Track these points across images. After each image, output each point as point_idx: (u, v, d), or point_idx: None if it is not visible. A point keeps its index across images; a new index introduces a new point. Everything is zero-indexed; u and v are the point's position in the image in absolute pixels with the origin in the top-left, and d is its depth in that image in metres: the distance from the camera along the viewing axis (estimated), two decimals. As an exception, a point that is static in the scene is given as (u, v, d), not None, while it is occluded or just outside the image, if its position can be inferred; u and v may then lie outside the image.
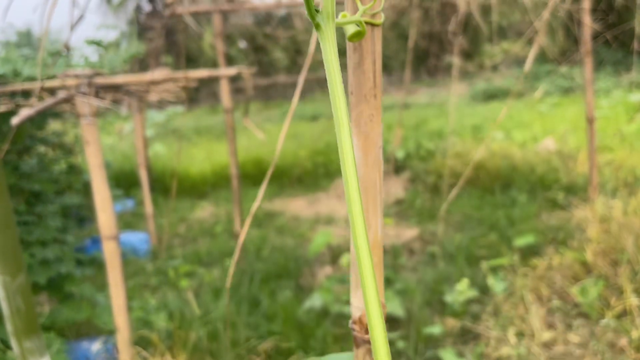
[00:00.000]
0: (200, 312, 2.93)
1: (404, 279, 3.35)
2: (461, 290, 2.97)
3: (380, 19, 0.51)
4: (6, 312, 1.15)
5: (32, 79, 2.25)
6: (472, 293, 2.98)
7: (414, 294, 3.10)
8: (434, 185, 5.28)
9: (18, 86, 2.21)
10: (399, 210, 4.91)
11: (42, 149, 3.65)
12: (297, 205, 5.56)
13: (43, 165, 3.49)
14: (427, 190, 5.30)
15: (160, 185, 6.71)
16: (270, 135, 9.05)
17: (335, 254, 3.95)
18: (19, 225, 3.19)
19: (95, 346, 2.92)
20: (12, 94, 2.16)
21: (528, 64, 2.85)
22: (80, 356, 2.86)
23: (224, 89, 3.51)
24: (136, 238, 4.69)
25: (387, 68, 15.46)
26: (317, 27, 0.43)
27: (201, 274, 3.78)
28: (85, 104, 2.20)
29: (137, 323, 3.04)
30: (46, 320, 2.87)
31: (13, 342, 1.15)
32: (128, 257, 4.48)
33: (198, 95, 16.15)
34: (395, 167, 5.95)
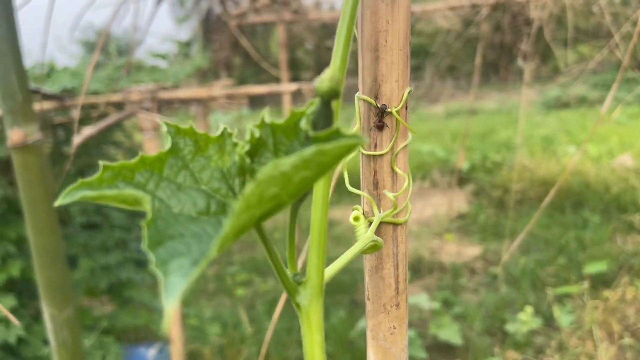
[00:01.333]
0: (253, 328, 2.92)
1: (463, 302, 3.22)
2: (524, 320, 2.82)
3: (406, 214, 0.43)
4: (53, 344, 1.15)
5: (97, 93, 2.30)
6: (536, 323, 2.81)
7: (473, 320, 2.96)
8: (499, 200, 5.07)
9: (84, 100, 2.27)
10: (461, 226, 4.75)
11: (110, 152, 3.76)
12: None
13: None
14: (491, 205, 5.10)
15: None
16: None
17: (392, 269, 3.86)
18: (85, 230, 3.30)
19: (152, 352, 2.97)
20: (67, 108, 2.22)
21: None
22: (136, 361, 2.92)
23: (286, 100, 3.49)
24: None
25: (454, 72, 15.11)
26: (297, 306, 0.34)
27: (257, 283, 3.79)
28: (148, 120, 2.23)
29: (192, 331, 3.07)
30: (106, 324, 2.94)
31: (58, 377, 1.16)
32: (188, 260, 4.56)
33: (264, 96, 16.37)
34: (459, 179, 5.76)
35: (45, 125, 2.80)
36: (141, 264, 3.67)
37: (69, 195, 0.29)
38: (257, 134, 0.31)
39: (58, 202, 0.29)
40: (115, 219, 3.34)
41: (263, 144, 0.31)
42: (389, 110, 0.39)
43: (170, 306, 0.21)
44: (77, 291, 2.96)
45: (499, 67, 16.84)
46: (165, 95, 2.32)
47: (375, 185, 0.43)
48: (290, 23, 3.54)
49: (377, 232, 0.44)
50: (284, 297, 0.86)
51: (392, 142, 0.41)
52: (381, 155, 0.41)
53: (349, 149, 0.24)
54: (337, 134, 0.26)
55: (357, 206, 0.43)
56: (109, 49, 3.32)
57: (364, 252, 0.42)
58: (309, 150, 0.23)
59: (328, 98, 0.29)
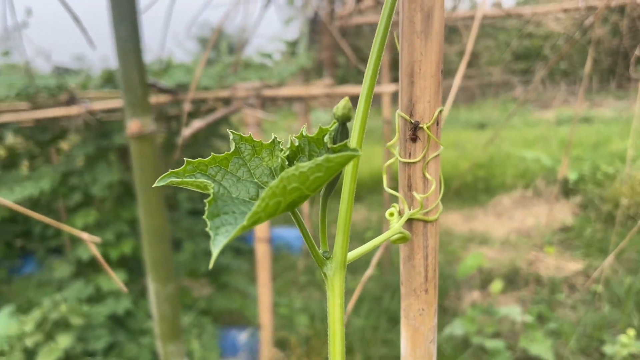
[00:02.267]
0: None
1: (559, 318, 3.07)
2: (625, 343, 2.64)
3: (436, 213, 0.48)
4: (155, 317, 1.27)
5: (207, 88, 2.46)
6: (638, 347, 2.63)
7: (568, 337, 2.82)
8: (608, 215, 4.75)
9: (195, 95, 2.43)
10: (564, 239, 4.51)
11: (217, 144, 3.98)
12: (451, 219, 5.39)
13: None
14: (599, 219, 4.79)
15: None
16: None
17: (486, 278, 3.76)
18: (190, 216, 3.53)
19: (243, 336, 3.12)
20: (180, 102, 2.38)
21: None
22: (229, 343, 3.08)
23: (385, 101, 3.51)
24: (291, 234, 4.93)
25: (569, 76, 14.25)
26: (324, 275, 0.42)
27: (347, 280, 3.85)
28: (252, 116, 2.35)
29: (282, 320, 3.19)
30: (203, 305, 3.13)
31: (158, 345, 1.27)
32: (282, 252, 4.73)
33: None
34: (565, 189, 5.46)
35: (160, 117, 3.03)
36: (239, 251, 3.86)
37: (162, 180, 0.39)
38: (296, 143, 0.41)
39: (156, 184, 0.40)
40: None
41: (301, 151, 0.41)
42: (421, 125, 0.46)
43: (216, 252, 0.31)
44: (180, 272, 3.18)
45: (618, 74, 15.64)
46: (269, 92, 2.44)
47: (409, 187, 0.49)
48: (394, 24, 3.55)
49: (410, 227, 0.49)
50: (358, 290, 0.90)
51: (423, 152, 0.47)
52: (414, 163, 0.48)
53: (348, 159, 0.33)
54: (345, 148, 0.37)
55: (395, 204, 0.50)
56: (220, 47, 3.51)
57: (393, 242, 0.48)
58: (320, 158, 0.31)
59: (342, 121, 0.38)
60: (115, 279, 0.81)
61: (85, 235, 0.68)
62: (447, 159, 6.92)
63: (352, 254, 0.45)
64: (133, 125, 1.16)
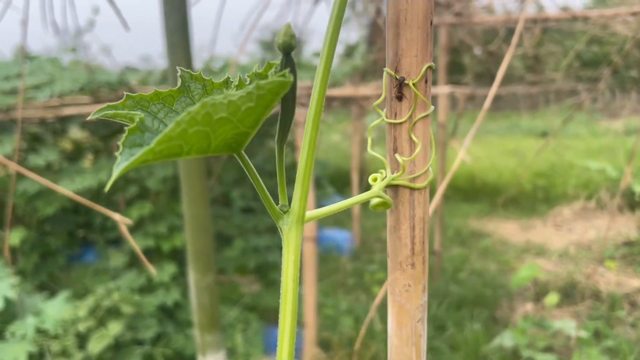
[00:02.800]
0: (383, 326, 2.94)
1: (617, 335, 2.92)
2: (691, 367, 2.48)
3: (425, 180, 0.45)
4: (194, 306, 1.29)
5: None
6: None
7: (626, 356, 2.67)
8: (678, 231, 4.48)
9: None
10: (627, 254, 4.28)
11: (270, 143, 4.02)
12: (507, 229, 5.22)
13: (268, 160, 3.86)
14: (668, 235, 4.52)
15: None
16: (491, 148, 8.67)
17: (540, 290, 3.62)
18: (242, 213, 3.58)
19: (288, 334, 3.13)
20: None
21: None
22: (273, 340, 3.10)
23: (442, 105, 3.45)
24: (341, 236, 4.92)
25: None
26: (280, 230, 0.39)
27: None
28: (302, 114, 2.36)
29: (327, 321, 3.18)
30: (250, 301, 3.17)
31: (196, 334, 1.29)
32: (331, 253, 4.72)
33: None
34: (631, 202, 5.19)
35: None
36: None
37: (97, 113, 0.38)
38: (245, 80, 0.39)
39: (90, 118, 0.38)
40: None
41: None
42: (406, 82, 0.42)
43: (116, 173, 0.29)
44: (229, 267, 3.23)
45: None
46: (320, 92, 2.44)
47: (395, 150, 0.45)
48: (454, 26, 3.48)
49: (395, 194, 0.46)
50: (385, 287, 0.87)
51: (410, 112, 0.43)
52: (400, 124, 0.44)
53: (280, 85, 0.30)
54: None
55: (382, 170, 0.46)
56: (276, 48, 3.54)
57: (374, 207, 0.45)
58: (251, 86, 0.29)
59: (284, 49, 0.34)
60: (139, 254, 0.82)
61: (117, 217, 0.70)
62: (505, 167, 6.73)
63: (314, 213, 0.43)
64: (179, 117, 1.17)
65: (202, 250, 1.23)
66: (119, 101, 0.37)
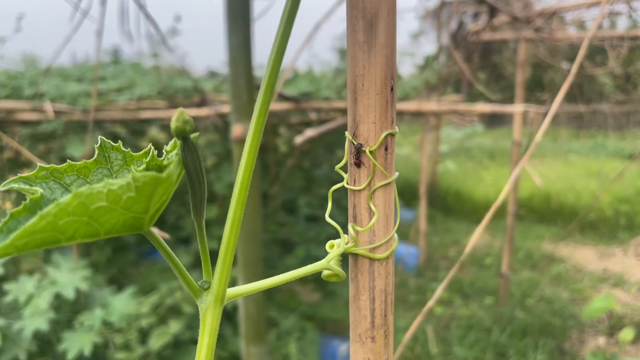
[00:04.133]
0: (439, 349, 2.86)
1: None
2: None
3: (387, 251, 0.42)
4: (241, 315, 1.30)
5: (327, 98, 2.50)
6: None
7: None
8: None
9: (314, 105, 2.48)
10: None
11: (337, 155, 4.03)
12: (583, 255, 4.94)
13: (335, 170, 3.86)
14: None
15: (442, 202, 6.77)
16: (572, 168, 8.25)
17: (615, 324, 3.39)
18: (306, 221, 3.61)
19: (343, 347, 3.11)
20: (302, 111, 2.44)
21: None
22: (329, 352, 3.09)
23: (517, 122, 3.32)
24: (406, 250, 4.84)
25: None
26: (200, 308, 0.37)
27: (457, 305, 3.69)
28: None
29: (384, 337, 3.13)
30: (308, 310, 3.18)
31: (241, 344, 1.30)
32: (396, 269, 4.65)
33: (503, 115, 15.68)
34: None
35: (282, 122, 3.13)
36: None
37: (5, 185, 0.35)
38: (162, 155, 0.38)
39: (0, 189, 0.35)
40: (333, 211, 3.57)
41: (157, 167, 0.38)
42: (364, 149, 0.41)
43: None
44: (289, 275, 3.26)
45: None
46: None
47: (354, 218, 0.43)
48: (532, 41, 3.35)
49: (355, 263, 0.44)
50: (424, 311, 0.85)
51: (368, 179, 0.42)
52: (359, 191, 0.42)
53: (154, 180, 0.29)
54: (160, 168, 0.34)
55: (345, 236, 0.44)
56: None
57: (326, 278, 0.44)
58: (129, 176, 0.28)
59: (178, 135, 0.33)
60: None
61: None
62: (585, 189, 6.38)
63: (238, 290, 0.41)
64: (237, 129, 1.20)
65: (251, 259, 1.24)
66: (32, 172, 0.36)
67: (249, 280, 1.23)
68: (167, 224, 3.66)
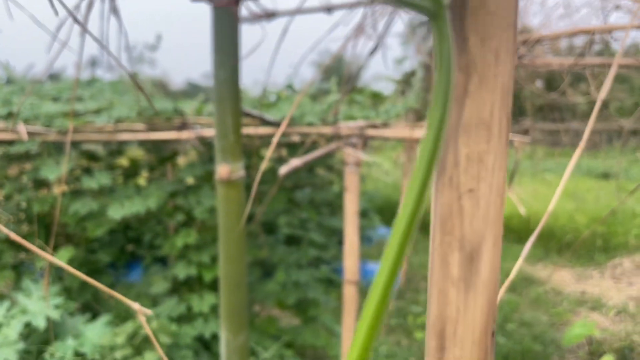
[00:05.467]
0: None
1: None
2: None
3: None
4: (223, 348, 1.24)
5: (311, 124, 2.46)
6: None
7: None
8: None
9: (298, 130, 2.44)
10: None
11: (318, 175, 3.99)
12: (561, 277, 4.97)
13: (317, 191, 3.82)
14: None
15: (423, 222, 6.75)
16: (550, 188, 8.35)
17: (595, 350, 3.40)
18: (287, 243, 3.55)
19: (324, 375, 3.05)
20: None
21: None
22: (309, 380, 3.02)
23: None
24: (386, 272, 4.79)
25: None
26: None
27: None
28: (351, 155, 2.31)
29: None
30: (287, 337, 3.11)
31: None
32: (375, 290, 4.61)
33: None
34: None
35: (265, 145, 3.08)
36: (333, 283, 3.82)
37: None
38: None
39: None
40: (314, 236, 3.53)
41: None
42: None
43: None
44: (269, 301, 3.19)
45: None
46: (372, 132, 2.39)
47: None
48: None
49: None
50: None
51: None
52: None
53: None
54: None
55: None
56: (333, 79, 3.54)
57: None
58: None
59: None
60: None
61: (136, 306, 0.66)
62: (562, 210, 6.45)
63: None
64: (222, 170, 1.15)
65: (235, 308, 1.18)
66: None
67: (234, 331, 1.17)
68: (144, 241, 3.57)
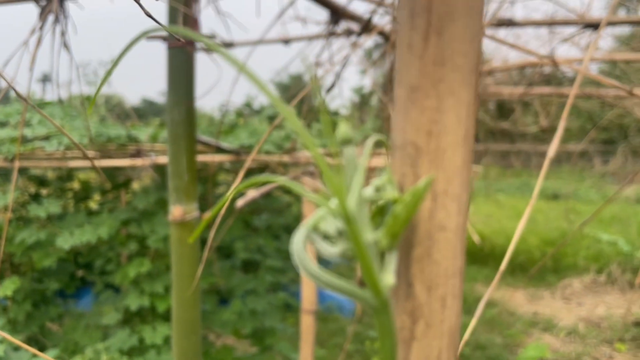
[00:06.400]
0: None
1: None
2: None
3: None
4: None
5: (269, 152, 2.45)
6: None
7: None
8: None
9: (257, 158, 2.43)
10: (638, 335, 4.12)
11: (277, 198, 3.97)
12: (515, 298, 5.08)
13: (275, 216, 3.79)
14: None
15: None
16: (502, 209, 8.57)
17: (547, 372, 3.47)
18: (243, 269, 3.50)
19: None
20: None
21: None
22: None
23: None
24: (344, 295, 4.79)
25: (654, 151, 13.52)
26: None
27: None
28: (309, 184, 2.30)
29: (323, 393, 3.05)
30: (244, 367, 3.05)
31: None
32: (333, 313, 4.60)
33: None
34: (644, 279, 5.04)
35: (222, 171, 3.05)
36: (291, 307, 3.78)
37: None
38: None
39: None
40: (272, 260, 3.49)
41: None
42: None
43: None
44: (225, 329, 3.13)
45: None
46: (331, 160, 2.39)
47: None
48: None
49: None
50: None
51: None
52: None
53: None
54: None
55: None
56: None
57: None
58: None
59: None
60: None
61: None
62: (513, 231, 6.60)
63: None
64: (176, 211, 1.12)
65: (189, 354, 1.15)
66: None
67: (187, 375, 1.13)
68: (94, 267, 3.45)
